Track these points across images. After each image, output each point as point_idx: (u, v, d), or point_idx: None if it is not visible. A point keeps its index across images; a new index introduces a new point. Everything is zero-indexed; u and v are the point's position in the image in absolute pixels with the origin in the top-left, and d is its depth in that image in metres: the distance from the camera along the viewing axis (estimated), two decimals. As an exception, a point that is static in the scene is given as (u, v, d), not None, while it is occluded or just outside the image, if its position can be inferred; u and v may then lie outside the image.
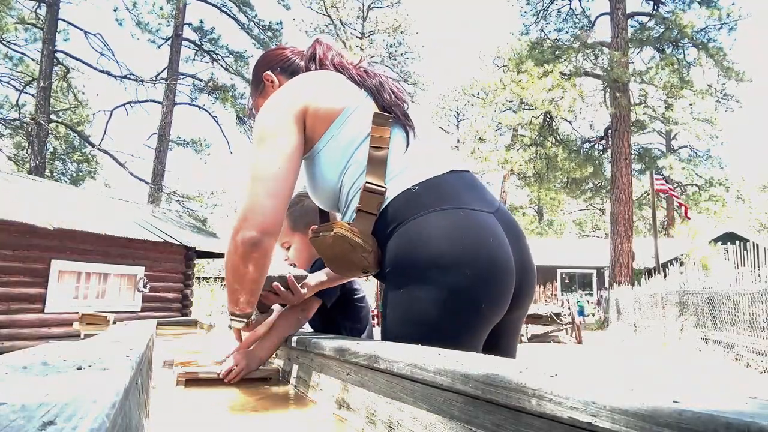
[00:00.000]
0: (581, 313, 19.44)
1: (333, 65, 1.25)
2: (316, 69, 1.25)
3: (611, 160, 18.63)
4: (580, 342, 12.11)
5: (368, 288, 20.79)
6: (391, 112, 1.13)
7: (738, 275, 8.51)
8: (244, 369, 1.31)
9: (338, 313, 1.58)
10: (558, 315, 12.63)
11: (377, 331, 1.25)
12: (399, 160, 1.09)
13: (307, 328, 1.69)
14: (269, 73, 1.32)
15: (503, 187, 35.21)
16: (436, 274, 0.99)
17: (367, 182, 1.06)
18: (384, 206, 1.06)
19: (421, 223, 1.02)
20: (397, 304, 1.05)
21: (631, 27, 19.67)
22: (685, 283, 10.34)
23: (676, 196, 17.84)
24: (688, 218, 18.85)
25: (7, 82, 20.25)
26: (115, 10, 20.16)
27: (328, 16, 29.12)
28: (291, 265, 1.57)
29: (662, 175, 18.62)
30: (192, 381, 1.29)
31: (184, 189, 19.01)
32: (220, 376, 1.30)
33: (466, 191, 1.08)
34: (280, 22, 22.03)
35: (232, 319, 1.21)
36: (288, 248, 1.56)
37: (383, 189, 1.06)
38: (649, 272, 14.33)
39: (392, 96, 1.16)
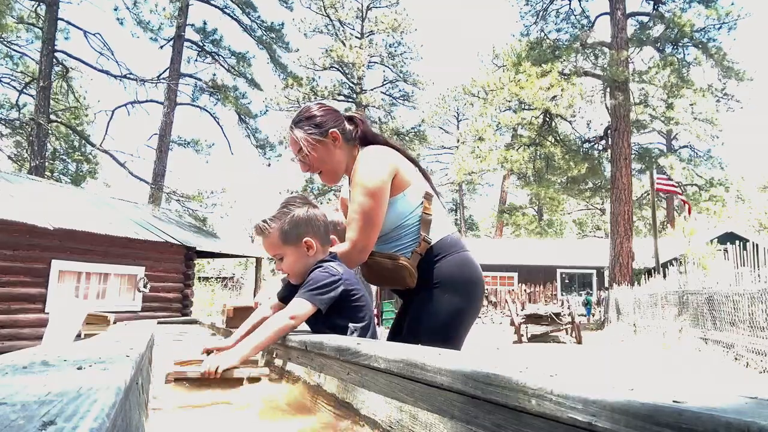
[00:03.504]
0: (588, 310, 19.42)
1: (383, 142, 1.77)
2: (358, 141, 1.77)
3: (611, 159, 18.61)
4: (580, 342, 12.11)
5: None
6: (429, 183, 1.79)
7: (738, 275, 8.50)
8: (222, 365, 1.31)
9: (335, 314, 1.57)
10: (558, 315, 12.62)
11: (379, 331, 1.25)
12: (436, 217, 1.70)
13: (307, 328, 1.69)
14: (337, 132, 1.71)
15: (503, 187, 35.21)
16: (469, 288, 1.67)
17: (425, 236, 1.66)
18: (431, 244, 1.66)
19: (462, 256, 1.69)
20: (440, 302, 1.63)
21: (631, 27, 19.65)
22: (685, 283, 10.34)
23: (678, 194, 17.66)
24: (690, 214, 18.73)
25: (7, 83, 20.24)
26: (115, 9, 20.14)
27: (327, 16, 29.11)
28: (284, 274, 1.68)
29: (665, 173, 18.50)
30: (180, 380, 1.31)
31: (185, 189, 18.96)
32: (202, 374, 1.30)
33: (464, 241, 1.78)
34: (282, 23, 22.03)
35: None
36: (281, 259, 1.61)
37: (431, 241, 1.66)
38: (648, 272, 14.32)
39: (430, 178, 1.81)
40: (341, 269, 1.59)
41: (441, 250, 1.66)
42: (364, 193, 1.58)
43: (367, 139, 1.76)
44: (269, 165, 22.90)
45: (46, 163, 19.85)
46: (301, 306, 1.49)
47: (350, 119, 1.79)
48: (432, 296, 1.63)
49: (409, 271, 1.62)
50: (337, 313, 1.57)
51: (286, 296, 1.68)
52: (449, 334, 1.60)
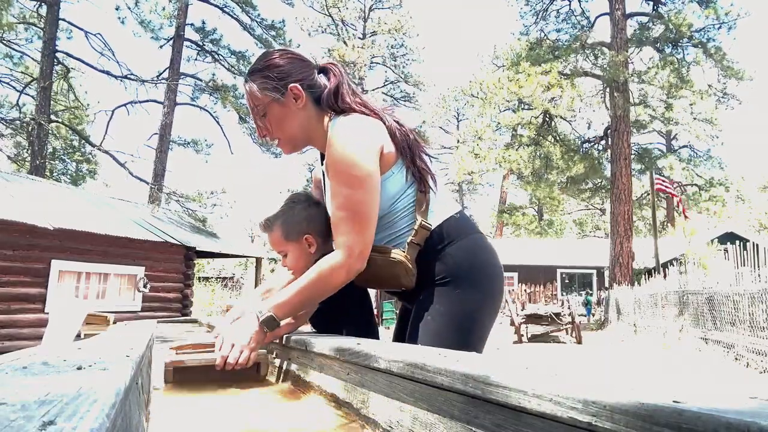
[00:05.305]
0: (588, 310, 19.43)
1: (368, 109, 1.33)
2: (336, 104, 1.34)
3: (611, 160, 18.62)
4: (580, 342, 12.11)
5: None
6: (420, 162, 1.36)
7: (738, 275, 8.50)
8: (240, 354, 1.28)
9: (341, 315, 1.58)
10: (558, 315, 12.62)
11: (381, 331, 1.25)
12: (435, 196, 1.35)
13: (308, 327, 1.70)
14: (299, 88, 1.33)
15: (503, 187, 35.20)
16: (484, 281, 1.32)
17: (422, 221, 1.29)
18: (431, 229, 1.31)
19: (474, 241, 1.35)
20: (448, 304, 1.28)
21: (631, 27, 19.65)
22: (685, 283, 10.34)
23: (674, 195, 17.74)
24: (686, 218, 18.78)
25: (8, 83, 20.23)
26: (117, 9, 20.15)
27: (330, 16, 29.13)
28: (290, 270, 1.58)
29: (663, 175, 18.55)
30: (180, 381, 1.31)
31: (185, 189, 18.94)
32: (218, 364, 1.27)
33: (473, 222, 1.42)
34: (283, 21, 22.02)
35: (269, 320, 1.27)
36: (285, 255, 1.59)
37: (430, 226, 1.31)
38: (649, 272, 14.32)
39: (422, 159, 1.34)
40: None
41: (445, 235, 1.31)
42: (350, 183, 1.21)
43: (343, 100, 1.34)
44: (277, 156, 22.89)
45: (46, 163, 19.84)
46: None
47: (324, 70, 1.39)
48: (437, 296, 1.29)
49: (405, 268, 1.28)
50: (331, 312, 1.58)
51: None
52: (463, 343, 1.19)
